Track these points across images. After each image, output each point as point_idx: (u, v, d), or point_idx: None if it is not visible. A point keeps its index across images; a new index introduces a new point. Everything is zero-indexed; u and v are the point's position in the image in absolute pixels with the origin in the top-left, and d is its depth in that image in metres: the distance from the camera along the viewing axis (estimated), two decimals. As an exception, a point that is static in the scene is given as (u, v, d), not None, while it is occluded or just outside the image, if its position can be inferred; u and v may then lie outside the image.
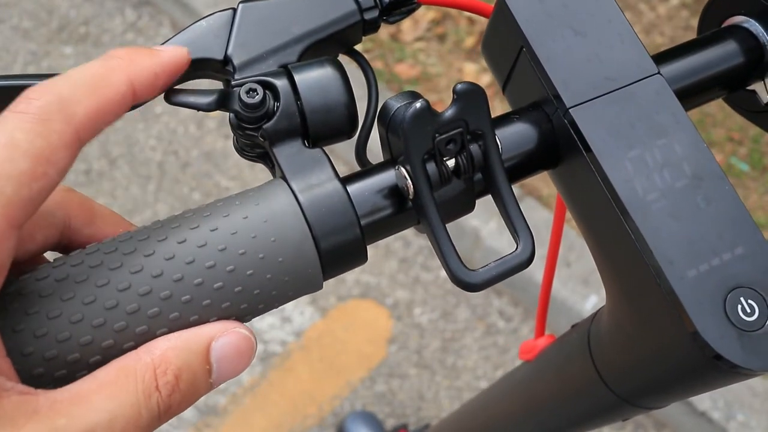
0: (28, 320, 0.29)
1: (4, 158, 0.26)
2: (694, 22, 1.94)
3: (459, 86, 0.33)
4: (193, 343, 0.30)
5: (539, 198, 1.74)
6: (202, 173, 1.85)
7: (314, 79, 0.35)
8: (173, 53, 0.32)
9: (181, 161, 1.87)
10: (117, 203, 1.81)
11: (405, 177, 0.34)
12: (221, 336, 0.31)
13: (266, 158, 0.37)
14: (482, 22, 1.94)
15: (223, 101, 0.35)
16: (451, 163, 0.34)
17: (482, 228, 1.67)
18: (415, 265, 1.75)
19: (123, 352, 0.30)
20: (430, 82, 1.91)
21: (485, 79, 1.87)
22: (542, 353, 0.53)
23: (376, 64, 1.95)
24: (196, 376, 0.30)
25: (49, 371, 0.29)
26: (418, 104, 0.32)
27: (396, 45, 1.96)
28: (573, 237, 1.62)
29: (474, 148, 0.34)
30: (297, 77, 0.35)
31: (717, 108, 1.84)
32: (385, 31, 1.95)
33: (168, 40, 0.36)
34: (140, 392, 0.28)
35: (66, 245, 0.34)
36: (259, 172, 1.85)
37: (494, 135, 0.34)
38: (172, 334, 0.30)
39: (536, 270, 1.61)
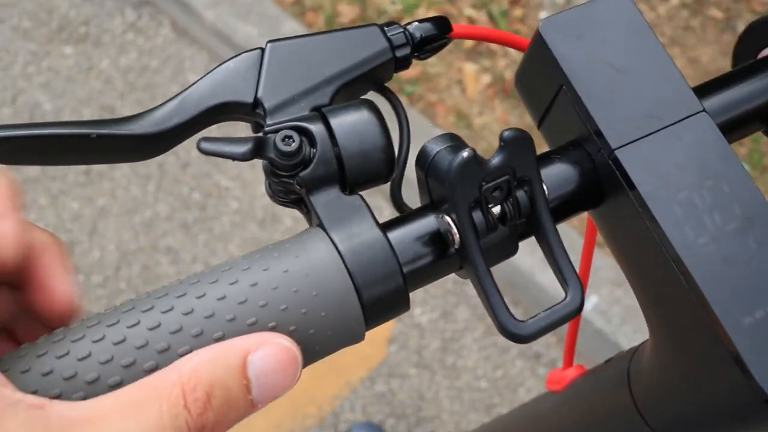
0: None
1: None
2: (695, 22, 1.94)
3: (506, 133, 0.32)
4: (227, 357, 0.28)
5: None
6: (202, 173, 1.85)
7: (351, 123, 0.34)
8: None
9: (181, 161, 1.87)
10: (117, 203, 1.81)
11: (450, 226, 0.33)
12: (259, 348, 0.28)
13: (301, 204, 0.36)
14: (482, 22, 1.94)
15: (258, 149, 0.34)
16: (496, 209, 0.33)
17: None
18: (415, 265, 1.75)
19: None
20: (430, 82, 1.91)
21: (485, 80, 1.87)
22: (573, 385, 0.52)
23: (376, 64, 1.95)
24: (231, 393, 0.27)
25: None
26: (465, 153, 0.31)
27: (396, 45, 1.96)
28: (574, 238, 1.62)
29: (520, 194, 0.33)
30: (333, 122, 0.34)
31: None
32: (385, 31, 1.95)
33: (196, 82, 0.35)
34: (165, 411, 0.26)
35: None
36: (259, 173, 1.85)
37: (541, 181, 0.34)
38: (203, 349, 0.28)
39: (536, 269, 1.61)
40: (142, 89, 1.94)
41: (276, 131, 0.34)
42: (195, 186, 1.84)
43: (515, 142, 0.32)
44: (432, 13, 1.95)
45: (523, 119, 1.81)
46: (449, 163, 0.32)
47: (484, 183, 0.32)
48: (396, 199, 0.38)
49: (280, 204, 0.37)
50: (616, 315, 1.56)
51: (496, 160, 0.32)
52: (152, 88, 1.94)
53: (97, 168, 1.85)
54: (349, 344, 0.32)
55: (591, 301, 1.60)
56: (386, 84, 0.39)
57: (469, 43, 1.95)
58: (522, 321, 0.33)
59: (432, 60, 1.94)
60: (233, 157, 0.34)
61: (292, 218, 1.78)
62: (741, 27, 1.92)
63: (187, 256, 1.74)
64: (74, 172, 1.84)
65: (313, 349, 0.31)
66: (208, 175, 1.85)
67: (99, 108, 1.91)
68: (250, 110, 0.35)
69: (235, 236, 1.76)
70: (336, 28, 1.91)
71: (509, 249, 0.35)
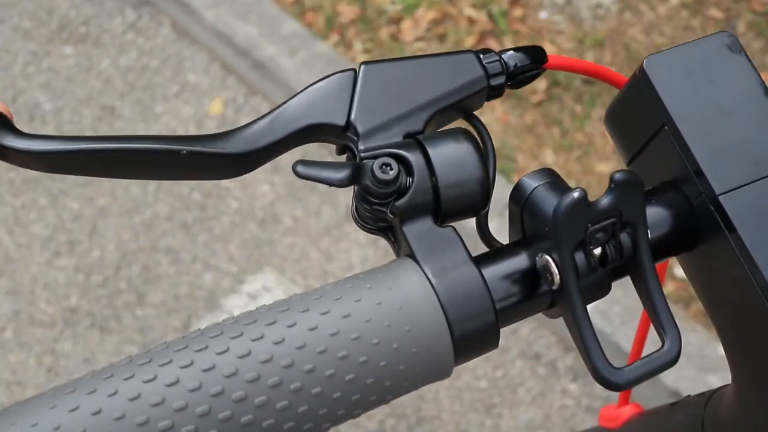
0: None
1: None
2: (694, 22, 1.94)
3: (617, 176, 0.31)
4: None
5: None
6: (202, 173, 1.85)
7: (449, 153, 0.33)
8: None
9: (181, 161, 1.87)
10: (117, 203, 1.81)
11: (550, 266, 0.32)
12: None
13: (388, 232, 0.35)
14: (482, 22, 1.94)
15: (355, 176, 0.33)
16: (597, 250, 0.33)
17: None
18: (415, 265, 1.75)
19: None
20: (430, 82, 1.91)
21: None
22: (631, 424, 0.50)
23: (376, 64, 1.95)
24: None
25: None
26: (576, 194, 0.30)
27: (396, 45, 1.96)
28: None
29: (624, 237, 0.33)
30: (431, 151, 0.33)
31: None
32: (385, 31, 1.95)
33: (287, 101, 0.35)
34: None
35: None
36: (259, 172, 1.85)
37: (646, 225, 0.33)
38: None
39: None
40: (142, 89, 1.94)
41: (373, 158, 0.33)
42: (195, 186, 1.84)
43: (625, 185, 0.31)
44: (432, 14, 1.95)
45: (523, 119, 1.81)
46: (557, 203, 0.31)
47: (589, 225, 0.31)
48: (484, 232, 0.37)
49: (365, 230, 0.36)
50: (616, 315, 1.56)
51: (604, 202, 0.31)
52: (152, 88, 1.94)
53: (97, 168, 1.85)
54: (435, 381, 0.32)
55: (591, 301, 1.60)
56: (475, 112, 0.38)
57: (469, 42, 1.95)
58: (618, 368, 0.32)
59: (432, 60, 1.93)
60: (331, 183, 0.33)
61: (292, 219, 1.78)
62: (741, 27, 1.92)
63: (187, 256, 1.74)
64: (74, 172, 1.84)
65: (400, 385, 0.30)
66: (208, 175, 1.85)
67: (99, 108, 1.92)
68: (341, 133, 0.35)
69: (235, 236, 1.76)
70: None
71: (603, 289, 0.34)
